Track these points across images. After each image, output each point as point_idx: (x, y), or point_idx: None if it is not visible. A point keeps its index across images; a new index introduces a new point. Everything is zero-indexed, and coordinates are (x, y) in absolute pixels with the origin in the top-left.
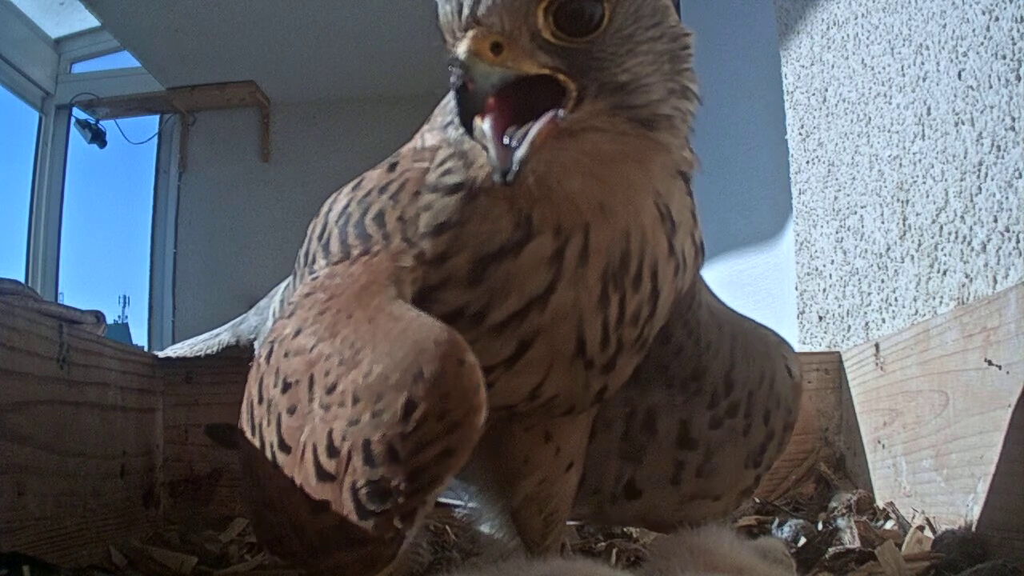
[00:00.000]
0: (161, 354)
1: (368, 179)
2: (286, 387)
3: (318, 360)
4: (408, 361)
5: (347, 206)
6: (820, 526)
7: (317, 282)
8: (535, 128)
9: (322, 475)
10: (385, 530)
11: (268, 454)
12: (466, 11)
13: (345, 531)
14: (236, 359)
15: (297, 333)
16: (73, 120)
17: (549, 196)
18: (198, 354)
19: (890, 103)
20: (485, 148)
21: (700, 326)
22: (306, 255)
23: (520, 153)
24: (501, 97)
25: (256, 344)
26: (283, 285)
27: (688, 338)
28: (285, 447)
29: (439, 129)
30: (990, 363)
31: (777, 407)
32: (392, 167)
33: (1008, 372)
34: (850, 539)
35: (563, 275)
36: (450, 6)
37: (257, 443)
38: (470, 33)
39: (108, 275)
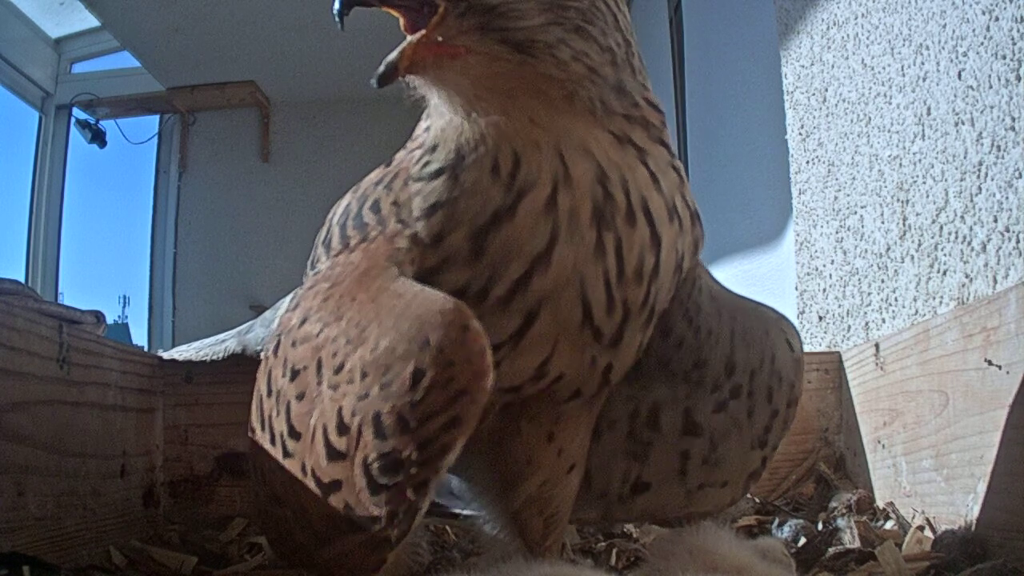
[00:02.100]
0: (166, 355)
1: (366, 179)
2: (294, 375)
3: (325, 344)
4: (414, 331)
5: (348, 205)
6: (820, 526)
7: (319, 275)
8: (407, 40)
9: (332, 455)
10: (398, 504)
11: (277, 444)
12: None
13: (355, 512)
14: (236, 359)
15: (303, 322)
16: (73, 120)
17: (500, 134)
18: (203, 359)
19: (890, 103)
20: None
21: (701, 313)
22: (312, 261)
23: (390, 56)
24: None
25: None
26: (289, 296)
27: (688, 328)
28: (295, 434)
29: (424, 118)
30: (990, 363)
31: (779, 384)
32: (388, 163)
33: (1008, 372)
34: (850, 539)
35: (560, 226)
36: None
37: (266, 437)
38: None
39: (108, 275)
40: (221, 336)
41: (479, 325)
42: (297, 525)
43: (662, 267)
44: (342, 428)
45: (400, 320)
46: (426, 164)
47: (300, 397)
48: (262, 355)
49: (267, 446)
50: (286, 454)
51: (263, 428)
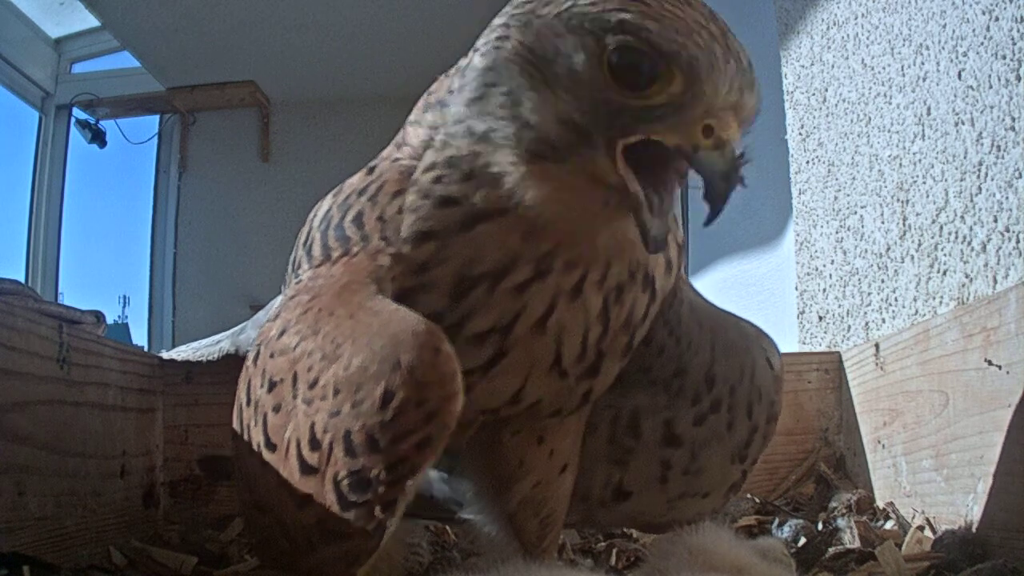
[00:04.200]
0: (165, 355)
1: (348, 184)
2: (271, 386)
3: (301, 357)
4: (386, 351)
5: (328, 211)
6: (820, 526)
7: (301, 285)
8: (674, 198)
9: (305, 469)
10: (367, 521)
11: (256, 454)
12: (752, 108)
13: (328, 525)
14: (236, 358)
15: (281, 334)
16: (73, 120)
17: (559, 218)
18: (200, 359)
19: (890, 103)
20: (642, 222)
21: (681, 324)
22: (293, 262)
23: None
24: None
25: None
26: (279, 298)
27: (669, 337)
28: (271, 445)
29: (426, 127)
30: (990, 363)
31: (759, 400)
32: (371, 170)
33: (1008, 372)
34: (850, 539)
35: (568, 299)
36: (736, 94)
37: (246, 445)
38: (736, 124)
39: (108, 275)
40: (217, 337)
41: (451, 348)
42: (279, 533)
43: (649, 316)
44: (314, 443)
45: (374, 339)
46: (438, 179)
47: (276, 409)
48: (244, 363)
49: (247, 454)
50: (264, 464)
51: (242, 435)
